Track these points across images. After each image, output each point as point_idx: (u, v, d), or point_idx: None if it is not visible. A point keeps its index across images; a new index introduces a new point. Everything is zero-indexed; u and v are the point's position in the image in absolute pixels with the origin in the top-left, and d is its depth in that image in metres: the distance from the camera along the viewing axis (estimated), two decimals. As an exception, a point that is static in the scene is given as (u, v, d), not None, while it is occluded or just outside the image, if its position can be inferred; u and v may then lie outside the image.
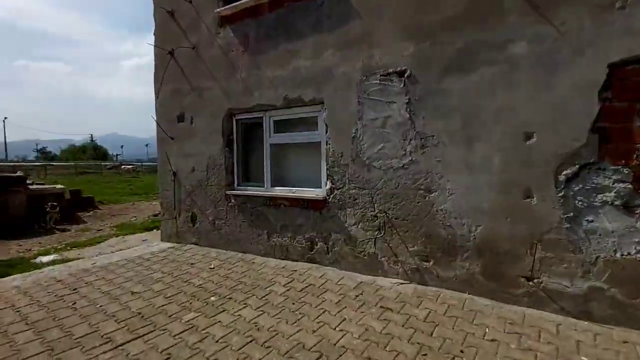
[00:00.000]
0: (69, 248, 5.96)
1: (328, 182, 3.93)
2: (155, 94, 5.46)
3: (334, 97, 3.83)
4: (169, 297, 3.29)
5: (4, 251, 5.90)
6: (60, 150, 60.40)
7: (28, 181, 8.60)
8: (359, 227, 3.71)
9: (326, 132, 3.94)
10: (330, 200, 3.90)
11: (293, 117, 4.31)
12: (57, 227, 7.82)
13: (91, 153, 53.33)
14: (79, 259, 5.02)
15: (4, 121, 51.56)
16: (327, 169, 3.94)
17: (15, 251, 5.90)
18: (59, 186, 9.50)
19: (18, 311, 2.99)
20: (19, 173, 8.90)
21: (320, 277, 3.69)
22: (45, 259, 5.17)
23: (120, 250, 5.35)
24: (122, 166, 33.25)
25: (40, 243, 6.46)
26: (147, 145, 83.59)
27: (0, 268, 4.72)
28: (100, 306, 3.09)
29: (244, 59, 4.50)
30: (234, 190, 4.76)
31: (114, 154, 64.44)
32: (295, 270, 3.92)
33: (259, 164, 4.69)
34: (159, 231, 7.03)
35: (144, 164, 37.68)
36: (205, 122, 4.93)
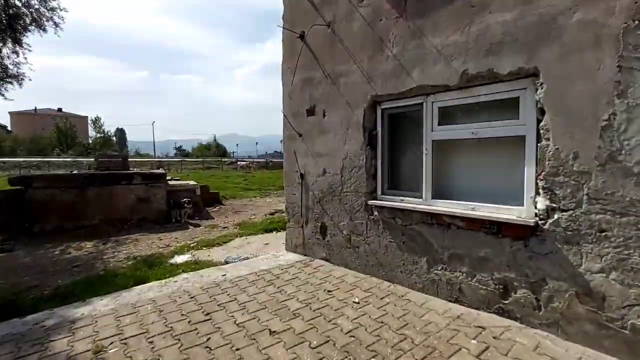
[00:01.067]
0: (200, 247, 6.00)
1: (542, 199, 2.52)
2: (283, 85, 4.89)
3: (560, 64, 2.39)
4: (316, 347, 2.46)
5: (148, 245, 6.30)
6: (191, 148, 71.91)
7: (167, 177, 9.47)
8: (612, 277, 2.21)
9: (540, 121, 2.53)
10: (546, 226, 2.49)
11: (473, 101, 3.01)
12: (190, 221, 8.31)
13: (214, 150, 61.72)
14: (209, 264, 4.82)
15: (152, 124, 64.22)
16: (539, 178, 2.54)
17: (156, 246, 6.23)
18: (191, 182, 10.29)
19: (151, 342, 2.57)
20: (161, 169, 9.89)
21: (535, 350, 2.35)
22: (179, 259, 5.16)
23: (247, 258, 4.99)
24: (238, 162, 36.97)
25: (176, 239, 6.78)
26: (257, 143, 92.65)
27: (142, 268, 4.83)
28: (237, 349, 2.44)
29: (398, 28, 3.40)
30: (377, 200, 3.76)
31: (231, 151, 73.35)
32: (483, 328, 2.65)
33: (412, 167, 3.56)
34: (279, 234, 6.79)
35: (254, 160, 41.31)
36: (340, 114, 4.06)
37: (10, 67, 8.77)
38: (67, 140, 52.58)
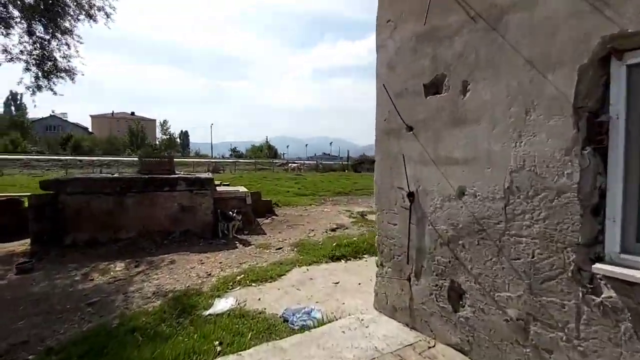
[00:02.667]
0: (248, 280, 4.45)
1: None
2: (379, 50, 3.10)
3: None
4: None
5: (186, 271, 4.93)
6: (245, 150, 73.92)
7: (215, 182, 8.27)
8: None
9: None
10: None
11: None
12: (238, 236, 6.93)
13: (266, 152, 62.38)
14: (260, 320, 3.22)
15: (211, 127, 67.21)
16: None
17: (195, 274, 4.83)
18: (241, 189, 9.01)
19: None
20: (208, 174, 8.73)
21: None
22: (220, 306, 3.60)
23: (310, 313, 3.28)
24: (289, 164, 36.23)
25: (221, 263, 5.34)
26: (306, 145, 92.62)
27: (169, 318, 3.37)
28: None
29: None
30: (609, 263, 1.77)
31: (282, 152, 73.87)
32: None
33: None
34: (350, 266, 4.86)
35: (304, 162, 40.37)
36: (505, 86, 2.14)
37: (60, 60, 8.22)
38: (137, 141, 56.91)
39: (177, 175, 7.27)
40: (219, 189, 8.26)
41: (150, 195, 6.52)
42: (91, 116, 74.46)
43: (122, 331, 3.15)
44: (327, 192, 16.70)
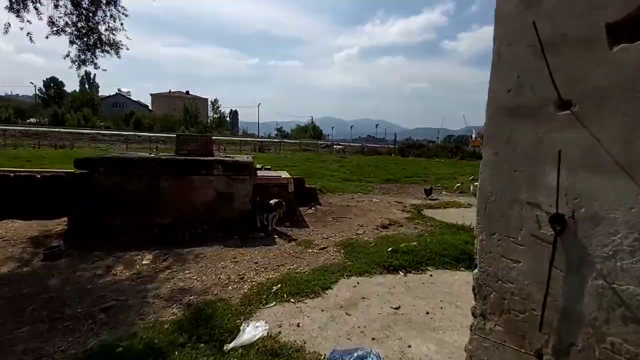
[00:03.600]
0: (286, 294, 3.62)
1: None
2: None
3: None
4: None
5: (216, 273, 4.26)
6: (290, 130, 74.13)
7: (256, 167, 7.56)
8: None
9: None
10: None
11: None
12: (279, 229, 6.19)
13: (311, 132, 61.85)
14: (297, 352, 2.37)
15: (258, 106, 68.10)
16: None
17: (226, 276, 4.14)
18: (283, 175, 8.23)
19: None
20: (248, 157, 8.04)
21: None
22: (248, 334, 2.82)
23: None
24: (335, 146, 35.20)
25: (256, 263, 4.61)
26: (351, 127, 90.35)
27: (189, 328, 2.64)
28: None
29: None
30: None
31: (327, 134, 72.78)
32: None
33: None
34: (411, 282, 3.73)
35: (349, 144, 39.03)
36: None
37: (104, 33, 7.88)
38: (190, 119, 59.54)
39: (214, 158, 6.64)
40: (259, 173, 7.56)
41: (186, 178, 5.97)
42: (151, 95, 79.33)
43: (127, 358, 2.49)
44: (375, 179, 15.49)
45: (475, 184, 14.63)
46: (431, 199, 10.16)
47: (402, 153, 33.03)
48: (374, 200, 9.79)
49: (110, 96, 69.29)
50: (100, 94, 65.51)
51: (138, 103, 72.33)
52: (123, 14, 8.04)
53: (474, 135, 43.03)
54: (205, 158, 6.34)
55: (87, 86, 70.90)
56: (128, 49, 8.68)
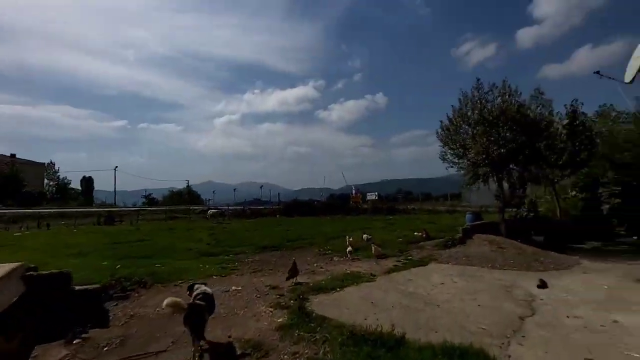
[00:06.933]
0: None
1: None
2: None
3: None
4: None
5: None
6: (162, 196, 63.99)
7: None
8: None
9: None
10: None
11: None
12: None
13: (186, 197, 54.22)
14: None
15: (115, 170, 57.07)
16: None
17: None
18: (12, 265, 3.69)
19: None
20: None
21: None
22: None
23: None
24: (209, 210, 30.04)
25: None
26: (234, 189, 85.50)
27: None
28: None
29: None
30: None
31: (207, 198, 65.65)
32: None
33: None
34: None
35: (230, 207, 34.46)
36: None
37: None
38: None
39: None
40: None
41: None
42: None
43: None
44: (249, 247, 11.67)
45: (367, 236, 12.55)
46: (324, 266, 7.02)
47: (289, 213, 30.60)
48: (232, 289, 5.96)
49: None
50: None
51: None
52: None
53: (353, 192, 44.82)
54: None
55: None
56: None
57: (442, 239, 10.39)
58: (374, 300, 5.04)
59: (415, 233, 12.58)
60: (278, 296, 5.40)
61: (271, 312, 4.64)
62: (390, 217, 25.98)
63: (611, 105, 14.90)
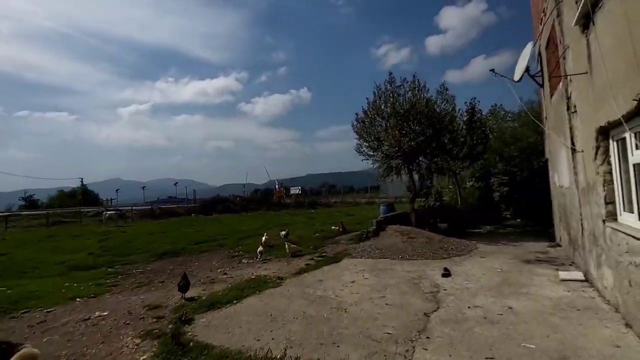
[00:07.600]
0: None
1: None
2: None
3: None
4: None
5: None
6: (48, 197, 53.54)
7: None
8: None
9: None
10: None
11: None
12: None
13: (80, 198, 46.18)
14: None
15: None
16: None
17: None
18: None
19: None
20: None
21: None
22: None
23: None
24: (106, 212, 25.71)
25: None
26: (143, 187, 76.36)
27: None
28: None
29: None
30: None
31: (109, 198, 57.11)
32: None
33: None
34: None
35: (134, 207, 30.16)
36: None
37: None
38: None
39: None
40: None
41: None
42: None
43: None
44: (144, 254, 9.91)
45: (284, 233, 11.94)
46: (226, 274, 6.00)
47: (206, 211, 28.15)
48: (96, 315, 4.59)
49: None
50: None
51: None
52: None
53: (277, 186, 43.86)
54: None
55: None
56: None
57: (358, 232, 10.26)
58: (274, 312, 4.30)
59: (333, 227, 12.37)
60: (155, 320, 4.27)
61: (136, 345, 3.53)
62: (312, 211, 25.85)
63: (500, 105, 16.94)
